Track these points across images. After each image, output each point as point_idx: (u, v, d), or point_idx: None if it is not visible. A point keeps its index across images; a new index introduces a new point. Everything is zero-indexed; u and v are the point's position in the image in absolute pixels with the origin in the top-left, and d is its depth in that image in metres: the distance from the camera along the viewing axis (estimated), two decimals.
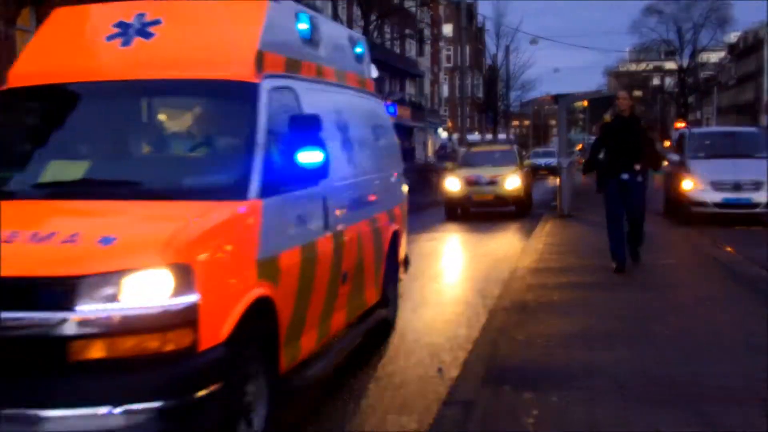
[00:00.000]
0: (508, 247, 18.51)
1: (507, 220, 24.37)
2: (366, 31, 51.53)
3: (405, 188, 10.85)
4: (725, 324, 9.15)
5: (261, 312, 5.61)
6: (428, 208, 28.54)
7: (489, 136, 72.35)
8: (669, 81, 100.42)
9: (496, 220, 24.35)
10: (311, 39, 7.72)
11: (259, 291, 5.58)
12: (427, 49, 79.21)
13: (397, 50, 67.70)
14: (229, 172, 5.98)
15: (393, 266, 9.70)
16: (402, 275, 10.31)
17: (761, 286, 11.65)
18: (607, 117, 13.37)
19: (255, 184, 5.83)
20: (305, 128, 6.19)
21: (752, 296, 10.82)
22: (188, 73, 6.52)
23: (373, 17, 53.31)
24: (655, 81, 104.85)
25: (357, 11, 55.14)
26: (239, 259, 5.49)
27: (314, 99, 7.31)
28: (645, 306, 10.24)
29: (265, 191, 5.89)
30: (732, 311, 9.87)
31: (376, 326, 9.02)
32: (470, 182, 25.73)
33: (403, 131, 61.54)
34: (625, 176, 12.40)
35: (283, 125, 6.26)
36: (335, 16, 55.85)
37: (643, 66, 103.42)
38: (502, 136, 76.58)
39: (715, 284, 11.93)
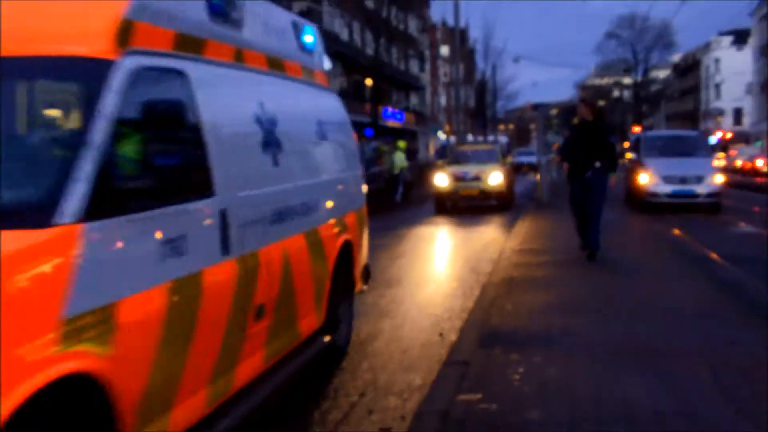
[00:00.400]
0: (496, 232, 18.36)
1: (494, 210, 23.59)
2: (377, 52, 51.43)
3: (364, 189, 8.30)
4: (673, 295, 9.06)
5: (76, 394, 3.28)
6: (429, 200, 28.35)
7: (481, 138, 72.41)
8: (626, 93, 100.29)
9: (485, 210, 23.56)
10: (227, 16, 5.25)
11: (64, 366, 3.15)
12: (428, 66, 79.08)
13: (403, 67, 67.50)
14: (32, 186, 3.55)
15: (345, 282, 7.20)
16: (364, 287, 8.05)
17: (703, 263, 11.65)
18: (576, 120, 12.79)
19: (73, 202, 3.42)
20: (179, 122, 4.10)
21: (696, 272, 10.75)
22: (21, 49, 3.97)
23: (382, 40, 53.20)
24: (616, 93, 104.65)
25: (369, 36, 54.99)
26: (9, 324, 2.93)
27: (223, 88, 5.00)
28: (607, 280, 10.15)
29: (97, 211, 3.51)
30: (681, 284, 9.78)
31: (318, 356, 6.39)
32: (457, 178, 23.76)
33: (409, 134, 61.49)
34: (588, 174, 11.60)
35: (157, 118, 3.97)
36: (351, 40, 55.79)
37: (605, 80, 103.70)
38: (491, 137, 76.41)
39: (667, 262, 11.87)
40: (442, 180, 23.92)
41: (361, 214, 7.92)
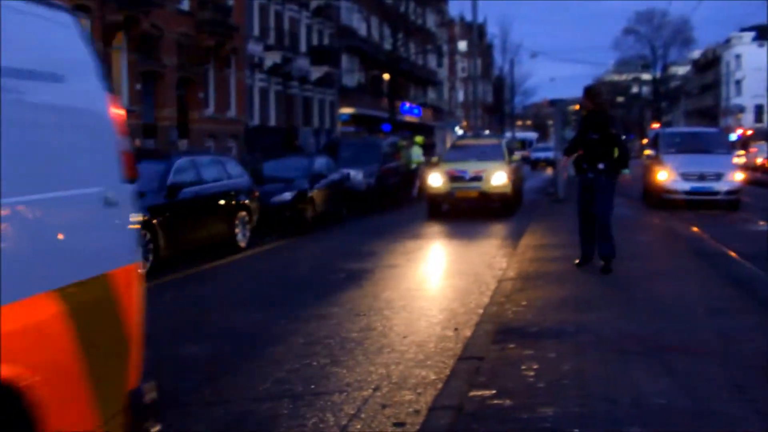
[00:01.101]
0: (511, 227, 18.26)
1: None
2: (395, 47, 51.40)
3: (134, 219, 3.85)
4: (687, 291, 9.02)
5: None
6: None
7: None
8: (645, 89, 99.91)
9: (498, 208, 21.50)
10: None
11: None
12: (445, 61, 78.95)
13: (420, 62, 67.42)
14: None
15: None
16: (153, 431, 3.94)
17: (719, 259, 11.56)
18: (584, 112, 11.84)
19: None
20: None
21: (711, 268, 10.69)
22: None
23: (400, 35, 53.16)
24: (634, 89, 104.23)
25: (387, 31, 54.96)
26: None
27: None
28: (622, 275, 10.07)
29: None
30: (694, 280, 9.73)
31: None
32: (453, 178, 20.25)
33: (426, 129, 61.46)
34: (591, 175, 10.27)
35: None
36: (369, 35, 55.75)
37: (623, 77, 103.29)
38: (508, 133, 76.28)
39: (682, 258, 11.79)
40: (435, 180, 20.56)
41: (101, 292, 3.52)
